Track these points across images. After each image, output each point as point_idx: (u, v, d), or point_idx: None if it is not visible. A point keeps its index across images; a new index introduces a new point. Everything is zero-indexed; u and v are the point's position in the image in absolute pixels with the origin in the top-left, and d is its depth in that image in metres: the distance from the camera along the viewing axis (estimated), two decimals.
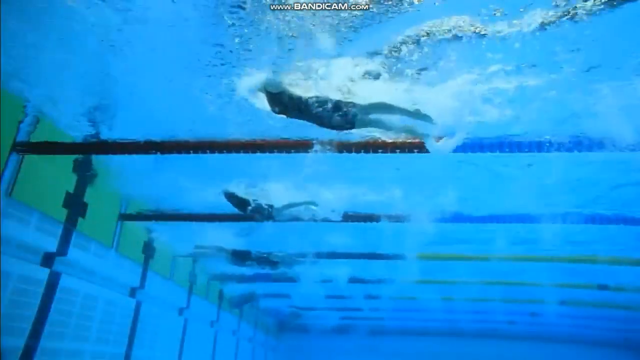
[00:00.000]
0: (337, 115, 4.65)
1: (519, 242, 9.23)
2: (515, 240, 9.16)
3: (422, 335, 21.28)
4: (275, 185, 7.20)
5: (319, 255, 9.80)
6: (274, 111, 4.89)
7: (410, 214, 7.68)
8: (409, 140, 5.35)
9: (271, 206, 7.02)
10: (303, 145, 5.60)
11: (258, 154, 5.76)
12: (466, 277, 11.75)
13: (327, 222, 7.68)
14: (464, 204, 7.59)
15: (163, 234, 9.60)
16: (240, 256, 9.22)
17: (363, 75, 4.64)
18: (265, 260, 8.98)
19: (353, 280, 12.44)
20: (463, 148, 5.23)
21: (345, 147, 5.53)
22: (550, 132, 5.26)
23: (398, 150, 5.43)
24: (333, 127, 4.89)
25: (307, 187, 7.19)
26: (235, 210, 7.37)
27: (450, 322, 18.94)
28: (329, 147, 5.48)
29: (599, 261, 9.54)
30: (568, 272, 10.79)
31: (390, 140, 5.41)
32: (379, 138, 5.42)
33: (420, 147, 5.29)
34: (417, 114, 4.68)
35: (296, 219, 7.48)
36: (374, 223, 7.83)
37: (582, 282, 11.46)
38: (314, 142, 5.49)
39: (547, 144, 5.25)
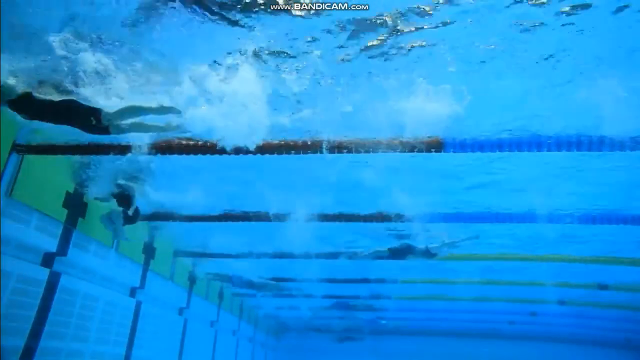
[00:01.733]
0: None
1: (519, 241, 9.23)
2: (516, 240, 9.16)
3: (421, 335, 21.27)
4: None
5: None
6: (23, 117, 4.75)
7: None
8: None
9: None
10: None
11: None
12: (466, 277, 11.75)
13: None
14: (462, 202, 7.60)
15: (167, 234, 9.62)
16: (403, 251, 9.08)
17: None
18: (427, 253, 8.85)
19: (354, 280, 12.44)
20: (462, 147, 5.23)
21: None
22: None
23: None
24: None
25: None
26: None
27: (450, 321, 18.93)
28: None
29: (599, 261, 9.55)
30: (568, 272, 10.79)
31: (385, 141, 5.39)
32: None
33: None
34: (162, 109, 4.77)
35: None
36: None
37: (582, 282, 11.47)
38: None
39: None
